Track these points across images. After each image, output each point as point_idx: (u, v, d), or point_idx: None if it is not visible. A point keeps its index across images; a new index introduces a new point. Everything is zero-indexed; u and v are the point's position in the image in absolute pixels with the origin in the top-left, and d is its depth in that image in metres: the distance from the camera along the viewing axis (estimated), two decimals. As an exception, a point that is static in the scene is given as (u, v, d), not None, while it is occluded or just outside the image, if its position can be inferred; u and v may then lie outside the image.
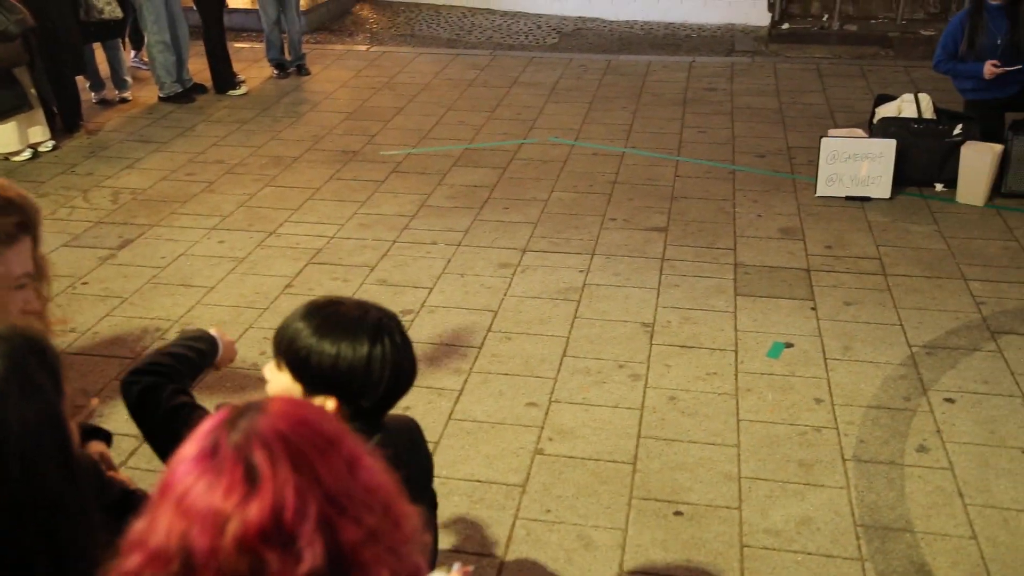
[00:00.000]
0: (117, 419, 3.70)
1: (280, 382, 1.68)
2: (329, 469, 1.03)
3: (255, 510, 0.98)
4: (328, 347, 1.62)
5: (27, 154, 6.40)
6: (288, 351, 1.65)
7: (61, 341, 4.22)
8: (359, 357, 1.64)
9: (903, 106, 5.87)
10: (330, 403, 1.65)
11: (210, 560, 0.97)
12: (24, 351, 1.25)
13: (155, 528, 0.99)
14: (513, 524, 3.14)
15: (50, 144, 6.55)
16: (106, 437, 1.95)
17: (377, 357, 1.65)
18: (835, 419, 3.65)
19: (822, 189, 5.61)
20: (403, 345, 1.73)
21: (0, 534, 1.18)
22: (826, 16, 9.46)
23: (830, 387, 3.86)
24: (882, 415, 3.68)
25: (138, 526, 1.02)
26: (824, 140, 5.62)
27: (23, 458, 1.20)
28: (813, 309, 4.44)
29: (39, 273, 1.84)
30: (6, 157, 6.35)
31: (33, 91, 6.36)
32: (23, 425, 1.20)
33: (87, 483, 1.35)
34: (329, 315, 1.67)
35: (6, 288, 1.76)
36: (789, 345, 4.15)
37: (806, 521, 3.14)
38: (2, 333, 1.26)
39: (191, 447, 1.03)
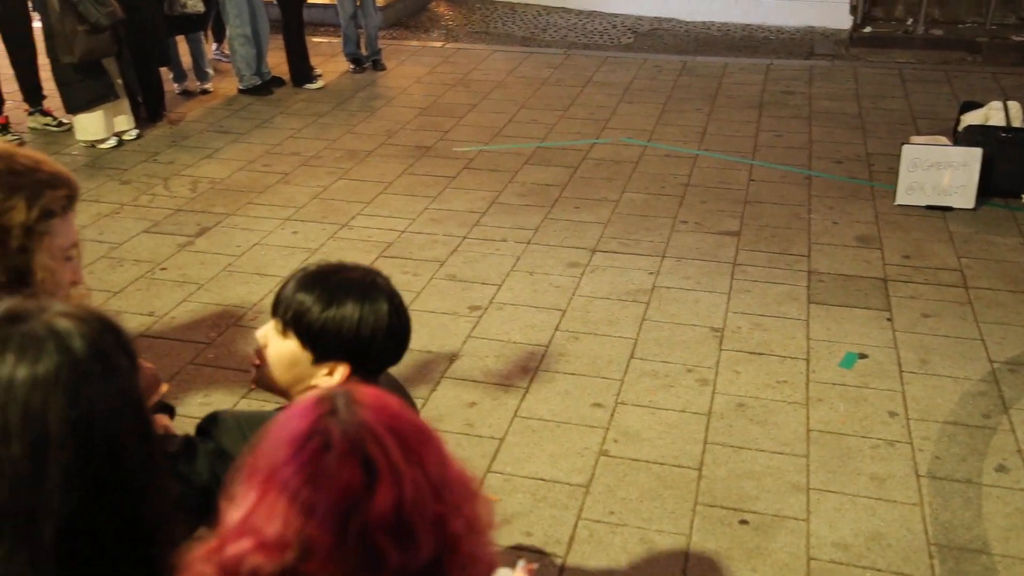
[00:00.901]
0: (189, 403, 3.79)
1: (286, 348, 1.65)
2: (432, 461, 1.04)
3: (376, 503, 0.99)
4: (350, 312, 1.61)
5: (112, 142, 6.57)
6: (299, 322, 1.62)
7: (139, 324, 4.33)
8: (380, 318, 1.63)
9: (990, 114, 5.70)
10: (342, 368, 1.64)
11: (331, 552, 0.98)
12: (102, 332, 1.25)
13: (269, 517, 1.00)
14: (576, 524, 3.13)
15: (134, 133, 6.72)
16: (170, 411, 1.98)
17: (394, 315, 1.66)
18: (910, 434, 3.57)
19: (902, 197, 5.48)
20: (401, 300, 1.73)
21: (81, 513, 1.18)
22: (911, 19, 9.23)
23: (905, 400, 3.76)
24: (960, 432, 3.57)
25: (240, 512, 1.03)
26: (905, 147, 5.49)
27: (108, 438, 1.20)
28: (889, 320, 4.34)
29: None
30: (92, 144, 6.53)
31: (120, 81, 6.53)
32: (108, 404, 1.21)
33: (164, 462, 1.35)
34: (339, 282, 1.65)
35: (60, 260, 1.81)
36: (863, 356, 4.06)
37: (876, 536, 3.07)
38: (80, 315, 1.25)
39: (291, 438, 1.03)
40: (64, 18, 6.02)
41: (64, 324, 1.21)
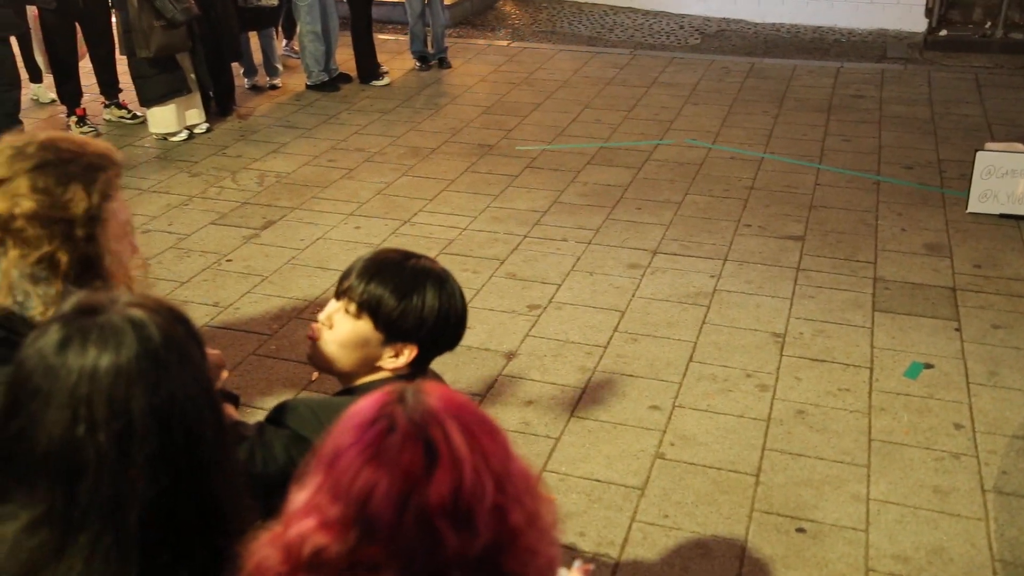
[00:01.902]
0: (250, 392, 3.86)
1: (357, 329, 1.71)
2: (495, 452, 1.06)
3: (436, 486, 1.01)
4: (431, 300, 1.71)
5: (183, 135, 6.71)
6: (377, 307, 1.69)
7: (203, 314, 4.42)
8: (455, 304, 1.76)
9: (1069, 121, 5.54)
10: (409, 350, 1.72)
11: (391, 533, 1.01)
12: (173, 321, 1.27)
13: (332, 498, 1.03)
14: (630, 526, 3.12)
15: (204, 126, 6.86)
16: (234, 400, 2.02)
17: (462, 301, 1.79)
18: (976, 447, 3.48)
19: (974, 205, 5.35)
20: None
21: (162, 499, 1.21)
22: (989, 23, 9.01)
23: (972, 413, 3.67)
24: (1027, 446, 3.48)
25: (305, 494, 1.06)
26: (980, 154, 5.35)
27: (186, 426, 1.23)
28: (957, 330, 4.24)
29: None
30: (164, 137, 6.68)
31: (192, 76, 6.68)
32: (185, 393, 1.23)
33: (234, 449, 1.39)
34: (414, 270, 1.73)
35: (122, 238, 1.85)
36: (929, 366, 3.98)
37: (938, 551, 3.00)
38: (151, 305, 1.28)
39: (359, 422, 1.06)
40: (142, 14, 6.17)
41: (139, 314, 1.23)
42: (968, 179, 5.41)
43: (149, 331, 1.22)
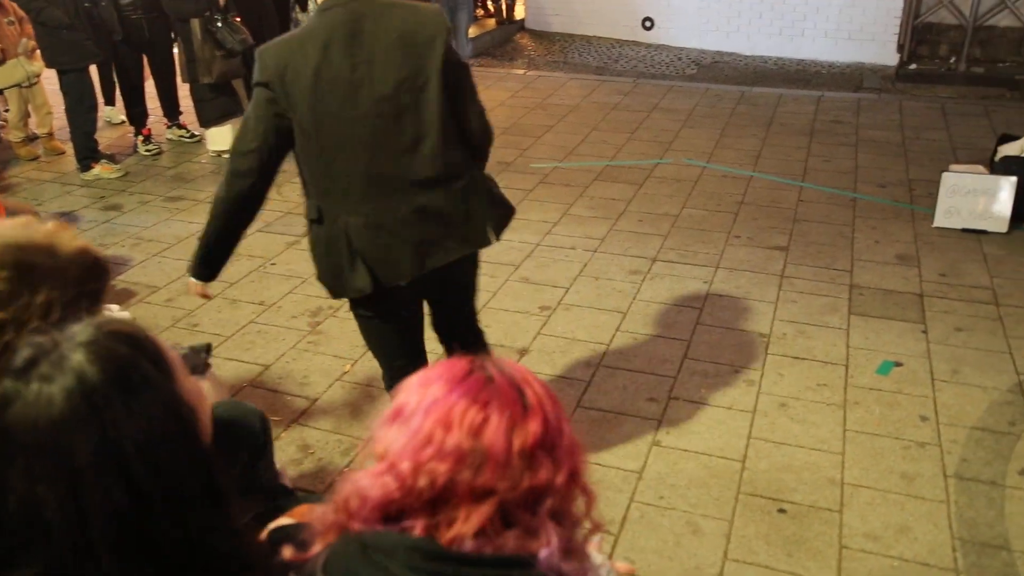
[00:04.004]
0: (290, 382, 3.86)
1: None
2: (559, 410, 1.19)
3: (532, 425, 1.12)
4: None
5: (235, 152, 6.73)
6: None
7: (250, 312, 4.43)
8: None
9: (1026, 145, 5.49)
10: None
11: (502, 460, 1.08)
12: (114, 349, 1.10)
13: (442, 434, 1.09)
14: (628, 506, 3.11)
15: (254, 144, 6.88)
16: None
17: None
18: (939, 437, 3.45)
19: (940, 220, 5.31)
20: None
21: (132, 526, 1.05)
22: (953, 58, 8.94)
23: (936, 406, 3.64)
24: (986, 437, 3.45)
25: (404, 436, 1.11)
26: (945, 174, 5.31)
27: (144, 455, 1.06)
28: (924, 332, 4.21)
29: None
30: (219, 154, 6.71)
31: (246, 99, 6.70)
32: (136, 423, 1.06)
33: (221, 465, 1.18)
34: None
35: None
36: (899, 364, 3.95)
37: (904, 530, 2.98)
38: (94, 338, 1.10)
39: (451, 376, 1.14)
40: (204, 44, 6.21)
41: (76, 358, 1.07)
42: (935, 197, 5.37)
43: (85, 373, 1.06)
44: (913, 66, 8.90)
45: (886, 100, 8.10)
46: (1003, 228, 5.17)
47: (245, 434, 2.29)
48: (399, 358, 2.76)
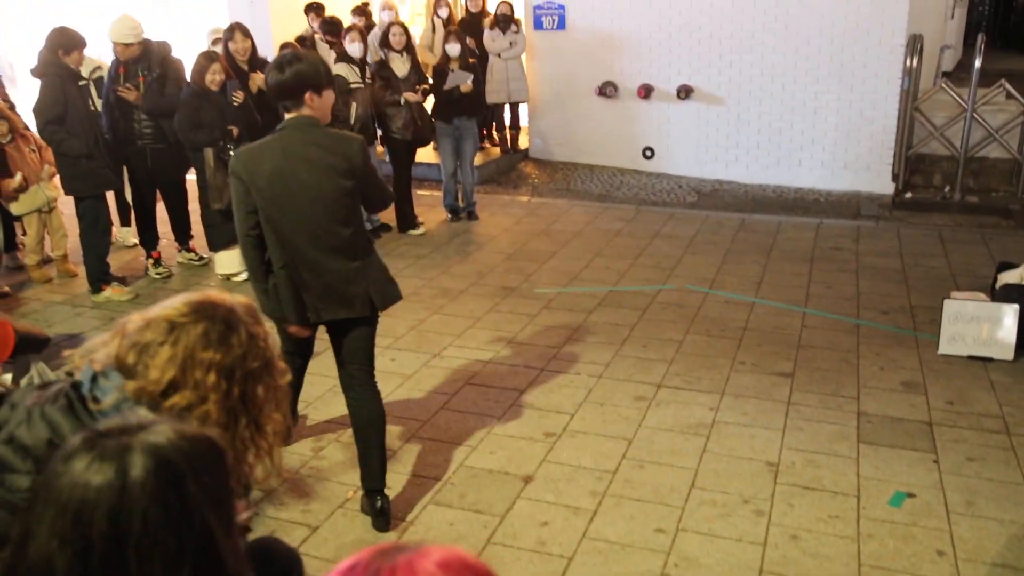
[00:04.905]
0: (292, 509, 3.76)
1: None
2: None
3: None
4: None
5: (244, 276, 6.80)
6: None
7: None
8: None
9: (1025, 274, 5.54)
10: None
11: None
12: (173, 465, 1.18)
13: None
14: (638, 645, 2.97)
15: (262, 268, 6.97)
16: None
17: None
18: (958, 573, 3.33)
19: (944, 347, 5.30)
20: None
21: None
22: (947, 187, 9.14)
23: (953, 541, 3.54)
24: (1008, 574, 3.33)
25: None
26: (947, 301, 5.34)
27: (147, 559, 1.14)
28: (935, 462, 4.13)
29: None
30: (227, 277, 6.79)
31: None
32: (151, 533, 1.14)
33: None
34: None
35: None
36: (911, 495, 3.86)
37: (928, 675, 2.84)
38: (156, 441, 1.18)
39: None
40: (217, 172, 6.38)
41: (135, 458, 1.16)
42: (938, 324, 5.38)
43: (133, 477, 1.14)
44: (909, 195, 9.10)
45: (884, 227, 8.24)
46: (1009, 355, 5.16)
47: (278, 572, 2.26)
48: None
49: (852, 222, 8.45)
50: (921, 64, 8.85)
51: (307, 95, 3.39)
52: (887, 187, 9.28)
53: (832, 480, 3.98)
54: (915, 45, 8.69)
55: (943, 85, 9.19)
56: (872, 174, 9.40)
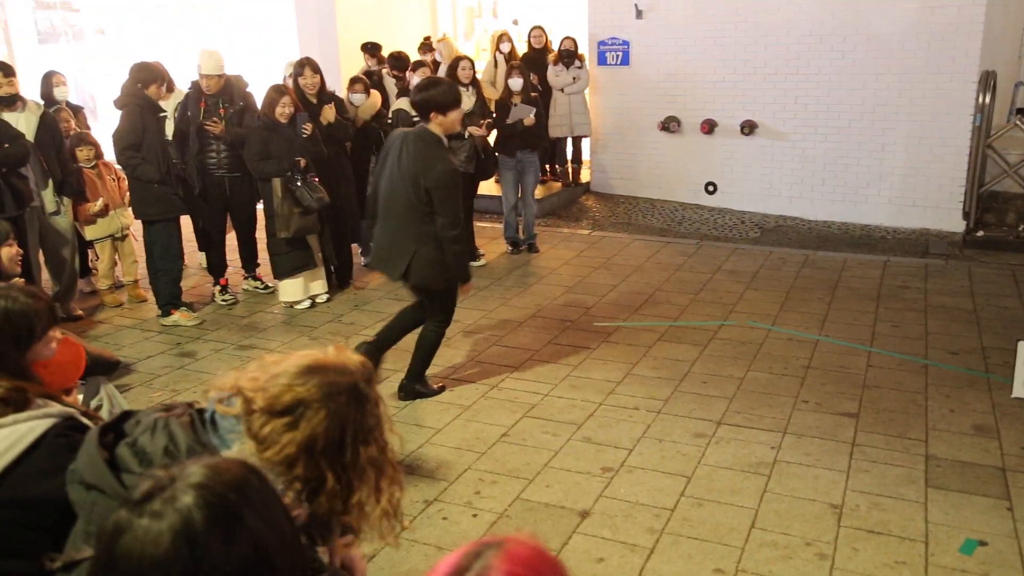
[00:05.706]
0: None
1: None
2: None
3: None
4: None
5: (306, 304, 6.95)
6: None
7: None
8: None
9: (1106, 316, 5.33)
10: None
11: None
12: (224, 496, 1.19)
13: None
14: None
15: (325, 296, 7.10)
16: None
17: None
18: (1034, 627, 3.19)
19: (1019, 391, 5.11)
20: None
21: None
22: (1021, 226, 8.88)
23: (1028, 593, 3.39)
24: (1087, 630, 3.18)
25: None
26: (1021, 343, 5.16)
27: None
28: (1009, 509, 3.98)
29: None
30: (291, 305, 6.92)
31: (319, 254, 6.97)
32: (229, 567, 1.15)
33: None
34: None
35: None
36: (983, 543, 3.72)
37: None
38: (198, 480, 1.19)
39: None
40: (284, 202, 6.55)
41: (186, 501, 1.16)
42: (1011, 366, 5.21)
43: (193, 518, 1.15)
44: (980, 233, 8.86)
45: (954, 266, 8.03)
46: (1087, 401, 4.96)
47: None
48: None
49: (920, 260, 8.25)
50: (995, 101, 8.66)
51: (432, 114, 4.67)
52: (957, 225, 9.06)
53: (899, 525, 3.86)
54: (988, 82, 8.51)
55: (1017, 122, 8.96)
56: (942, 212, 9.19)
